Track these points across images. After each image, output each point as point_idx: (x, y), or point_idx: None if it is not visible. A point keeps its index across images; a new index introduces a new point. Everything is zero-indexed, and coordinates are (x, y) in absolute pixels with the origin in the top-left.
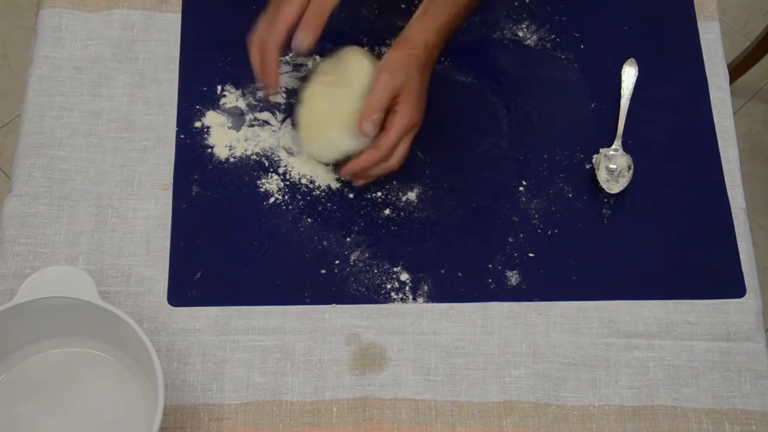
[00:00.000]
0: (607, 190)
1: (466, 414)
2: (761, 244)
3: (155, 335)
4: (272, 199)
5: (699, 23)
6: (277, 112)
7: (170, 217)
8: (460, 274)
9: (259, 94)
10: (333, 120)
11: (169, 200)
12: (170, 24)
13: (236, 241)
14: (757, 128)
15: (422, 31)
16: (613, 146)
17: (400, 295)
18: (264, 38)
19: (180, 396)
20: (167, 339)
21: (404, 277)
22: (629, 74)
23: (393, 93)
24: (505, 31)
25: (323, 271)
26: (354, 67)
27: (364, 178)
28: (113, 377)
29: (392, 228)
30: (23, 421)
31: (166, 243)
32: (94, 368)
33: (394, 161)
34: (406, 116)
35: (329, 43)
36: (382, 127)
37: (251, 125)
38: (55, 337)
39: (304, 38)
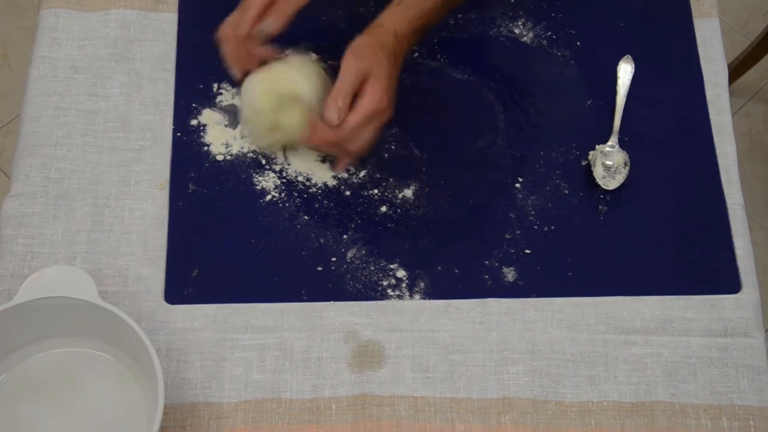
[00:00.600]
0: (603, 187)
1: (465, 411)
2: (761, 244)
3: (154, 334)
4: (269, 197)
5: (695, 20)
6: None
7: (167, 216)
8: (456, 271)
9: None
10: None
11: (166, 199)
12: (166, 24)
13: (233, 239)
14: (757, 128)
15: (393, 20)
16: (609, 143)
17: (397, 292)
18: (231, 29)
19: (180, 394)
20: (166, 338)
21: (401, 274)
22: (625, 71)
23: (359, 77)
24: (501, 29)
25: (320, 269)
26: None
27: (320, 150)
28: (113, 377)
29: (389, 225)
30: (23, 421)
31: (163, 242)
32: (94, 368)
33: (356, 146)
34: (374, 99)
35: (325, 41)
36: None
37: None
38: (55, 337)
39: (270, 24)
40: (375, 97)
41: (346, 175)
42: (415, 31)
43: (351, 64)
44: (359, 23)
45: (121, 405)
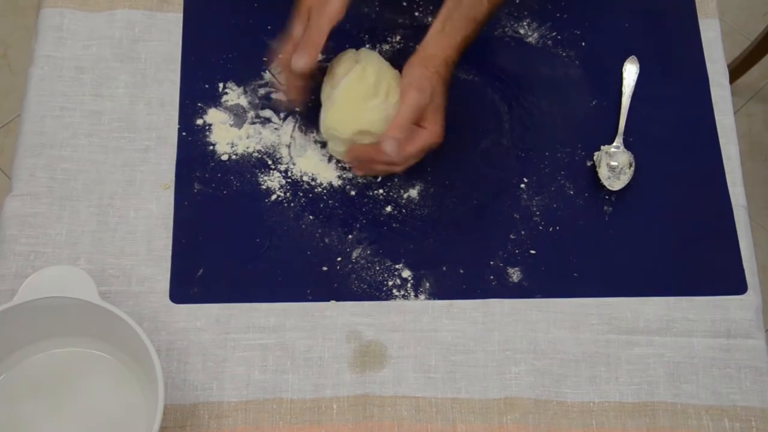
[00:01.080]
0: (608, 187)
1: (467, 411)
2: (762, 244)
3: (156, 334)
4: (274, 197)
5: (700, 20)
6: (279, 110)
7: (172, 216)
8: (461, 271)
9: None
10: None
11: (171, 200)
12: (172, 24)
13: (238, 239)
14: (757, 128)
15: (443, 48)
16: (614, 143)
17: (402, 292)
18: (286, 62)
19: (180, 395)
20: (167, 338)
21: (406, 274)
22: (630, 71)
23: (420, 109)
24: (506, 29)
25: (325, 269)
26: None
27: (366, 169)
28: (113, 377)
29: (394, 225)
30: (23, 421)
31: (168, 243)
32: (94, 368)
33: (402, 168)
34: (434, 134)
35: (331, 41)
36: None
37: (253, 122)
38: (55, 337)
39: (297, 60)
40: (434, 132)
41: (351, 175)
42: (461, 53)
43: (413, 97)
44: (364, 23)
45: (121, 405)
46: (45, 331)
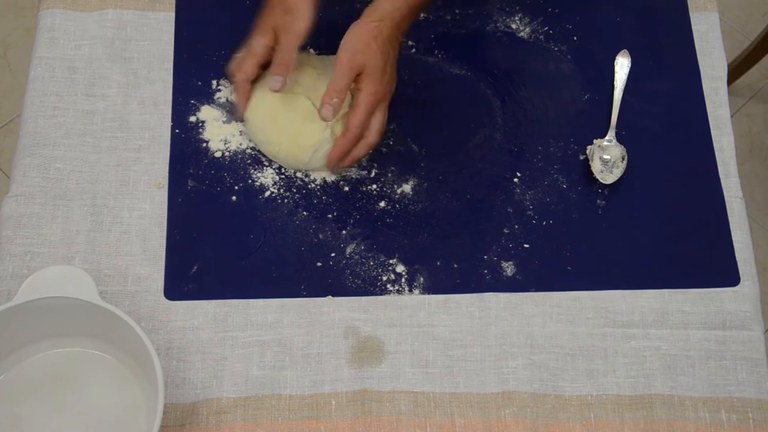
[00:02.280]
0: (601, 181)
1: (465, 405)
2: (761, 245)
3: (154, 334)
4: (267, 193)
5: (692, 14)
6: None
7: (166, 215)
8: (455, 266)
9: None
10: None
11: (165, 199)
12: (164, 23)
13: (232, 235)
14: (757, 128)
15: (387, 10)
16: (606, 137)
17: (396, 287)
18: (235, 72)
19: (180, 393)
20: (166, 337)
21: (400, 269)
22: (622, 65)
23: (353, 71)
24: (498, 24)
25: (319, 264)
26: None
27: (351, 162)
28: (113, 377)
29: (387, 220)
30: (23, 420)
31: (162, 242)
32: (94, 368)
33: (372, 137)
34: (370, 93)
35: (323, 37)
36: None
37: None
38: (55, 337)
39: (274, 84)
40: (370, 91)
41: (337, 169)
42: (407, 15)
43: (344, 60)
44: (356, 18)
45: (121, 405)
46: (45, 331)
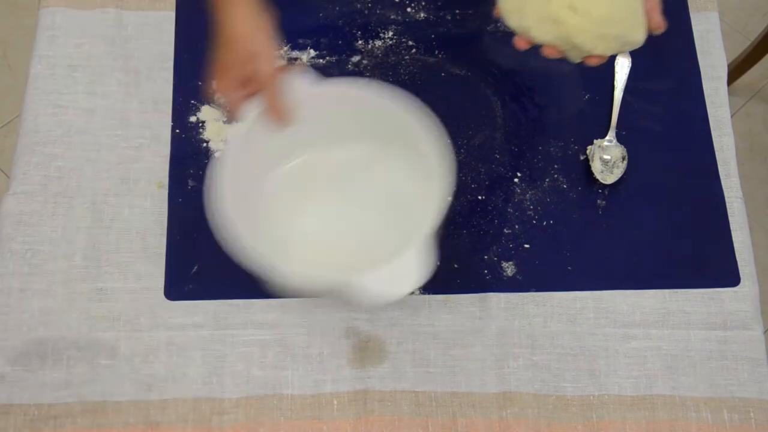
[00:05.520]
0: (601, 181)
1: (467, 405)
2: (761, 245)
3: (154, 331)
4: None
5: (692, 14)
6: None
7: (166, 213)
8: (456, 266)
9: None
10: None
11: (165, 197)
12: (164, 22)
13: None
14: (758, 128)
15: None
16: (607, 137)
17: None
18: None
19: (181, 388)
20: (166, 333)
21: None
22: (622, 65)
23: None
24: (498, 24)
25: None
26: None
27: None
28: (402, 171)
29: None
30: (311, 197)
31: (162, 239)
32: (383, 165)
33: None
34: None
35: (324, 37)
36: None
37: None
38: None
39: (279, 128)
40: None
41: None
42: None
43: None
44: (356, 19)
45: (407, 192)
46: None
